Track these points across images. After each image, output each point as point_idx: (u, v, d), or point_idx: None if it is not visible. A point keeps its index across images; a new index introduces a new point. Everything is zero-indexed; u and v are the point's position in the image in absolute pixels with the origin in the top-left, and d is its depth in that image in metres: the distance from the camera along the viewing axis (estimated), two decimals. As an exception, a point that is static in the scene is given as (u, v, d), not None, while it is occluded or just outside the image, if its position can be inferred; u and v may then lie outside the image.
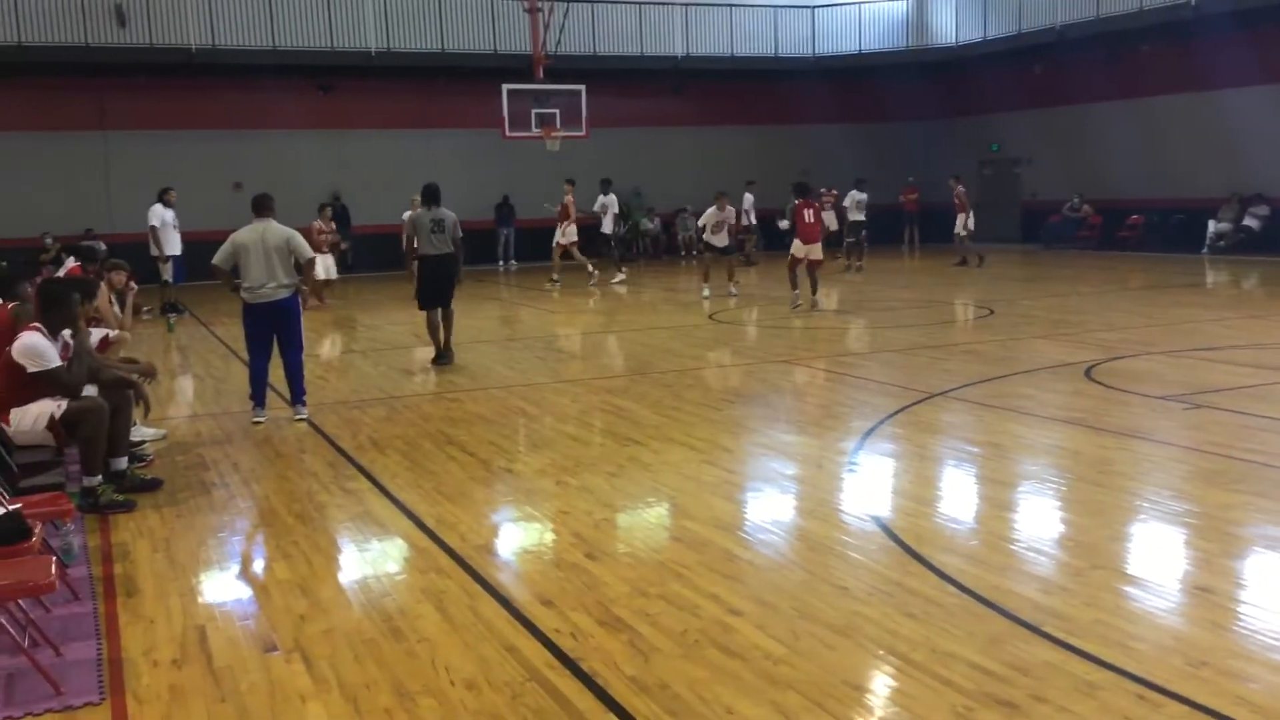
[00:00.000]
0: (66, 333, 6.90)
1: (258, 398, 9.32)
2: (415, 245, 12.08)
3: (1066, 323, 13.96)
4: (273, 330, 9.21)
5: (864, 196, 22.97)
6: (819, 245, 15.56)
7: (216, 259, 9.17)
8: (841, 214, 23.24)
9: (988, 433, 8.22)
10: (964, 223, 23.18)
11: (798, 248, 15.49)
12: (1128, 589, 5.00)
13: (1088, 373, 10.28)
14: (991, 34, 26.96)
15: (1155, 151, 24.90)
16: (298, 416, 9.31)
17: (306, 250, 9.22)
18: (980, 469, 7.35)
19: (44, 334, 6.69)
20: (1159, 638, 4.45)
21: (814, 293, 15.85)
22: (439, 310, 12.10)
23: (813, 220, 15.51)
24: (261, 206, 9.30)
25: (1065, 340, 12.40)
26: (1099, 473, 6.93)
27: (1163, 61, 24.52)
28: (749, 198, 24.70)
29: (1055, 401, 9.26)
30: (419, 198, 12.71)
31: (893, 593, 4.97)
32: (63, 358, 6.74)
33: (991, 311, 15.15)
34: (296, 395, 9.42)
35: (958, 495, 6.95)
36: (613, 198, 22.54)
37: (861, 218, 23.06)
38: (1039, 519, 6.27)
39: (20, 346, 6.62)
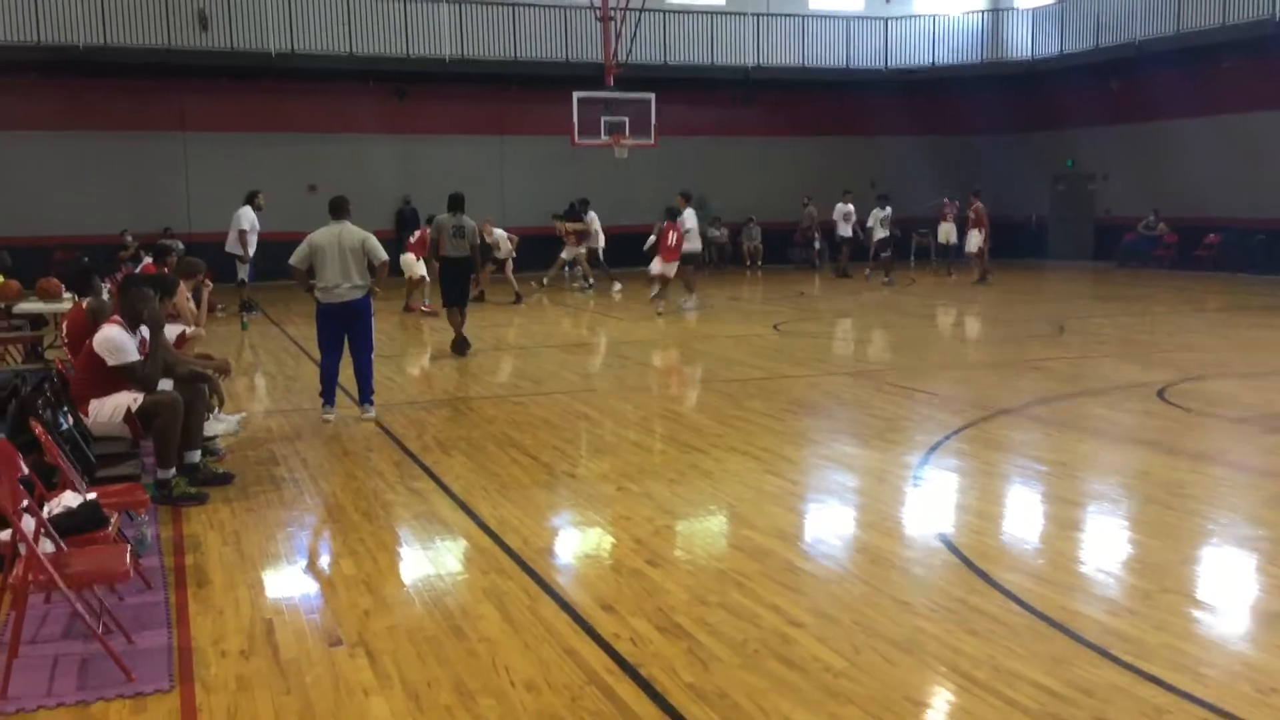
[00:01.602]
0: (144, 329, 7.07)
1: (327, 396, 9.47)
2: (440, 248, 13.12)
3: (1140, 342, 13.72)
4: (344, 330, 9.38)
5: (888, 212, 22.86)
6: (675, 264, 17.61)
7: (293, 259, 9.37)
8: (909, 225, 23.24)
9: (1056, 451, 8.10)
10: (980, 239, 23.23)
11: (659, 265, 17.58)
12: (1197, 613, 4.91)
13: (1161, 393, 10.09)
14: (1068, 48, 26.61)
15: (1235, 169, 24.35)
16: (365, 416, 9.45)
17: (381, 252, 9.39)
18: (1048, 488, 7.25)
19: (124, 327, 6.87)
20: (1228, 663, 4.36)
21: (658, 299, 17.68)
22: (458, 308, 13.33)
23: (674, 243, 17.45)
24: (338, 209, 9.50)
25: (1138, 360, 12.18)
26: (1170, 495, 6.80)
27: (1245, 77, 23.99)
28: (844, 208, 24.32)
29: (1127, 422, 9.10)
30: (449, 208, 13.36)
31: (956, 610, 4.92)
32: (141, 352, 6.91)
33: (1063, 329, 14.93)
34: (365, 395, 9.56)
35: (1024, 514, 6.86)
36: (593, 215, 22.44)
37: (886, 234, 23.05)
38: (1107, 540, 6.16)
39: (100, 339, 6.80)
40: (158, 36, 22.97)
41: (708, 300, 19.67)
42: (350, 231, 9.32)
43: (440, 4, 25.05)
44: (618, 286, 21.61)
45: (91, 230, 22.97)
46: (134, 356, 6.80)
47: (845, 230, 24.58)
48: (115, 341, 6.77)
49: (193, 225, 23.69)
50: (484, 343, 14.46)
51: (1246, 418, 9.01)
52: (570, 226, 22.02)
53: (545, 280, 22.33)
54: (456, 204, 13.16)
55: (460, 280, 13.20)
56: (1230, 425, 8.81)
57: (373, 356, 9.63)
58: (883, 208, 23.12)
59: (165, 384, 7.23)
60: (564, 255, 22.18)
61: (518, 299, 19.61)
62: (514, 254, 20.30)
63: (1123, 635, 4.59)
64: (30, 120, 23.47)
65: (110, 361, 6.74)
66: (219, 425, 8.71)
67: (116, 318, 6.94)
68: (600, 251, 22.39)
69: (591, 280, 22.16)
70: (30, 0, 22.06)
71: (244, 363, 13.04)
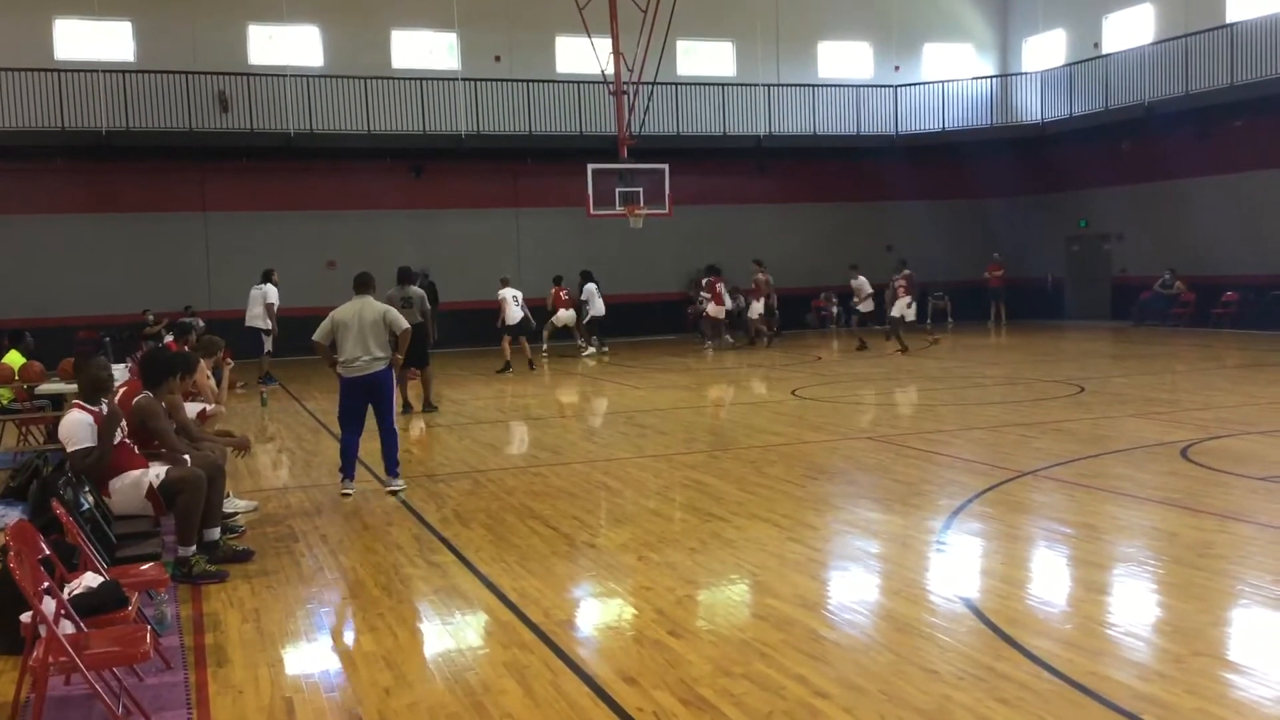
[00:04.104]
0: (104, 403, 7.04)
1: (347, 471, 9.47)
2: None
3: (1161, 401, 13.63)
4: (367, 402, 9.43)
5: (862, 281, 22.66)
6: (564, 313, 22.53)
7: (317, 335, 9.46)
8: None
9: (1081, 513, 8.02)
10: (760, 307, 24.32)
11: (560, 318, 22.71)
12: (1230, 676, 4.81)
13: (1184, 452, 10.00)
14: (1078, 110, 26.83)
15: (1250, 227, 24.38)
16: (391, 488, 9.44)
17: (401, 322, 9.51)
18: (1074, 550, 7.16)
19: (84, 409, 6.79)
20: (1267, 729, 4.27)
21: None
22: (407, 370, 14.00)
23: (566, 298, 22.75)
24: (361, 285, 9.66)
25: (1160, 419, 12.10)
26: (1198, 555, 6.71)
27: (1256, 136, 24.12)
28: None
29: (1151, 482, 9.01)
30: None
31: (984, 677, 4.84)
32: (96, 422, 6.79)
33: (1082, 389, 14.85)
34: (390, 467, 9.58)
35: (1051, 577, 6.77)
36: (592, 286, 23.30)
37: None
38: (1136, 603, 6.07)
39: (62, 424, 6.78)
40: (179, 119, 23.43)
41: (723, 364, 19.65)
42: (371, 306, 9.44)
43: (455, 81, 25.50)
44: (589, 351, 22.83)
45: (113, 310, 23.23)
46: (83, 444, 6.65)
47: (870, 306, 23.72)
48: (69, 427, 6.71)
49: (213, 303, 23.92)
50: (499, 414, 14.51)
51: (1272, 475, 8.91)
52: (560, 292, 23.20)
53: (603, 349, 23.24)
54: (403, 276, 14.32)
55: (410, 346, 14.23)
56: (1256, 484, 8.71)
57: (397, 432, 9.67)
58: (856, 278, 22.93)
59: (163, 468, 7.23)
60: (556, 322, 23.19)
61: (505, 368, 20.14)
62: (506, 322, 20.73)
63: (1155, 700, 4.51)
64: (54, 204, 23.90)
65: (68, 448, 6.66)
66: (239, 503, 8.73)
67: (78, 401, 6.89)
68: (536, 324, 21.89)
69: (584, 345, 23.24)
70: (55, 87, 22.57)
71: (263, 439, 13.08)
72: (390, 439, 9.54)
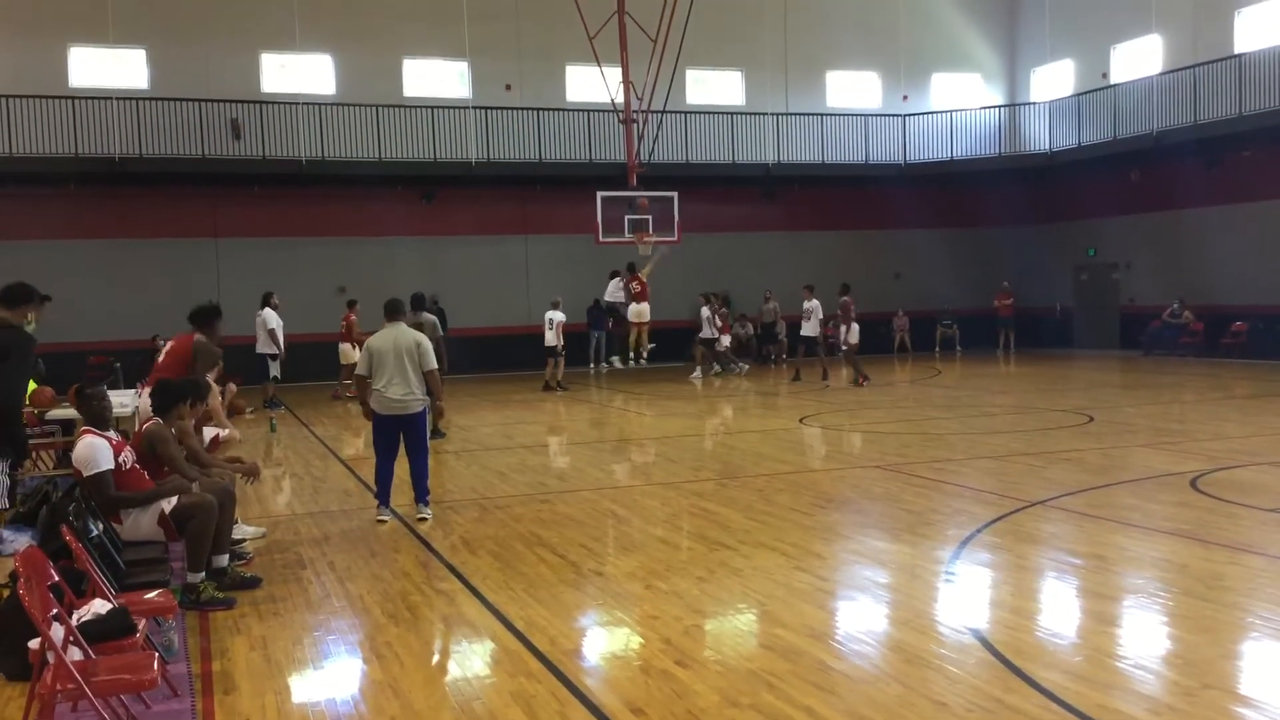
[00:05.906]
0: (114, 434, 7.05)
1: (382, 497, 9.49)
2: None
3: (1170, 431, 13.59)
4: (399, 434, 9.44)
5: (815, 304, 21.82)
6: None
7: (359, 369, 9.47)
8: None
9: (1090, 544, 7.99)
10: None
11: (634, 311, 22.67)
12: (1241, 710, 4.78)
13: (1194, 483, 9.96)
14: (1086, 140, 26.89)
15: (1260, 257, 24.36)
16: (420, 515, 9.45)
17: (430, 360, 9.38)
18: (1083, 581, 7.13)
19: (97, 434, 6.78)
20: (1278, 764, 4.23)
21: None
22: None
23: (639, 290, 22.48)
24: (392, 311, 9.62)
25: (1169, 449, 12.06)
26: (1208, 588, 6.68)
27: (1265, 166, 24.15)
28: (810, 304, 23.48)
29: (1160, 513, 8.98)
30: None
31: (993, 710, 4.81)
32: (117, 449, 6.82)
33: (1091, 419, 14.82)
34: (420, 495, 9.60)
35: (1060, 608, 6.74)
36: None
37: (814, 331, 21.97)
38: (1145, 635, 6.04)
39: (76, 451, 6.75)
40: (192, 146, 23.60)
41: (732, 396, 19.64)
42: (405, 334, 9.40)
43: (466, 109, 25.67)
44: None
45: (125, 335, 23.31)
46: (105, 465, 6.67)
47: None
48: (85, 451, 6.65)
49: (224, 328, 23.96)
50: (507, 441, 14.52)
51: (1283, 507, 8.87)
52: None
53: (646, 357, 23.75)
54: (415, 303, 14.22)
55: None
56: (1267, 515, 8.67)
57: (428, 460, 9.70)
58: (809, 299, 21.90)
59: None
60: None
61: (557, 387, 21.37)
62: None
63: (1165, 734, 4.48)
64: (67, 230, 24.04)
65: (85, 473, 6.63)
66: (247, 529, 8.74)
67: (88, 428, 6.88)
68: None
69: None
70: (69, 114, 22.76)
71: (271, 465, 13.09)
72: (421, 470, 9.54)
